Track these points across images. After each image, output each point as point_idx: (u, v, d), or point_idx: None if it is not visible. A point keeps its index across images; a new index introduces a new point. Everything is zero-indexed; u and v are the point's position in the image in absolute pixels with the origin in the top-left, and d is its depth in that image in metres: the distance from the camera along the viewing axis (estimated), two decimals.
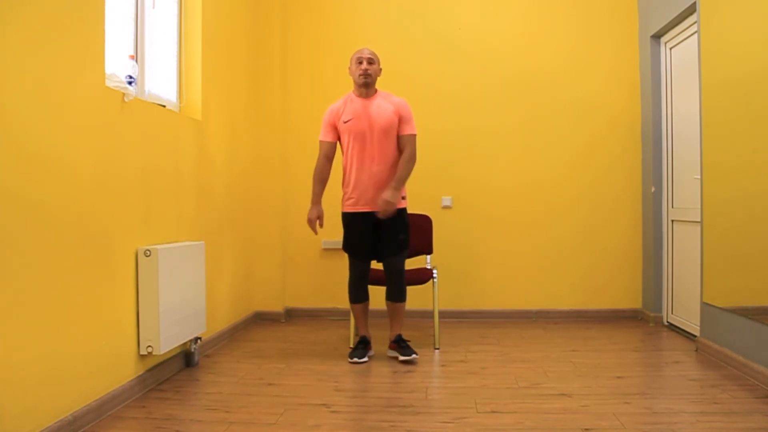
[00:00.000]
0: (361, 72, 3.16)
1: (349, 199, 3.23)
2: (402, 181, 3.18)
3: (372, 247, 3.23)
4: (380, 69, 3.27)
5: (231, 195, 3.81)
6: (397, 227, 3.21)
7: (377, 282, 3.39)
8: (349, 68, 3.25)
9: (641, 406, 2.42)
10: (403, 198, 3.24)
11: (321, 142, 3.27)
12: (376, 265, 3.37)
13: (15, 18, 1.88)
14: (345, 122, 3.18)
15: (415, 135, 3.23)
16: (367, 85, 3.19)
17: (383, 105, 3.20)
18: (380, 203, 3.11)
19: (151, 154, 2.76)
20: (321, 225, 3.26)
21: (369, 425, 2.27)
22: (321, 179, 3.27)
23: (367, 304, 3.35)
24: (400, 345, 3.22)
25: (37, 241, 1.97)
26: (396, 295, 3.28)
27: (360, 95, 3.22)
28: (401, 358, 3.17)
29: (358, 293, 3.30)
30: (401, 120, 3.20)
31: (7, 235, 1.84)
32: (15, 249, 1.87)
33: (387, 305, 3.32)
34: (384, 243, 3.21)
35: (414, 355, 3.14)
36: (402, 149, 3.22)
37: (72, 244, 2.16)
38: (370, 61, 3.18)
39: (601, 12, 4.31)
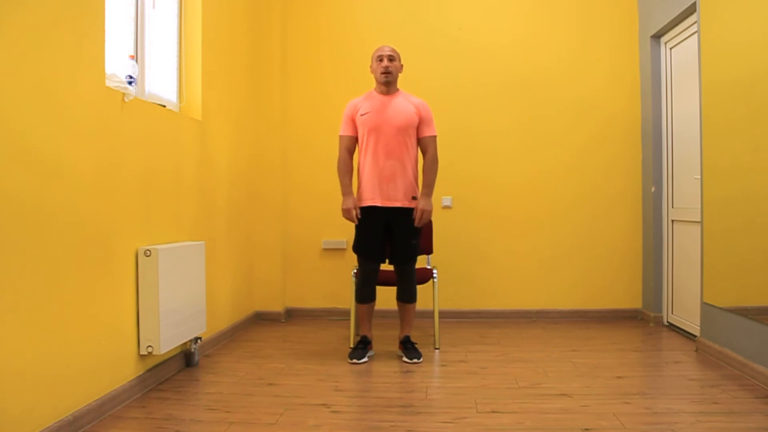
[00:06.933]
0: (382, 70, 3.18)
1: (361, 193, 3.22)
2: (431, 186, 3.22)
3: (383, 250, 3.23)
4: (401, 66, 3.28)
5: (231, 195, 3.81)
6: (410, 232, 3.21)
7: (385, 283, 3.38)
8: (371, 66, 3.26)
9: (641, 406, 2.42)
10: (414, 198, 3.22)
11: (341, 136, 3.26)
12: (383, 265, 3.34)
13: (13, 17, 1.88)
14: (362, 115, 3.19)
15: (435, 137, 3.26)
16: (388, 83, 3.20)
17: (404, 103, 3.21)
18: (417, 213, 3.15)
19: (151, 154, 2.76)
20: (358, 214, 3.19)
21: (369, 425, 2.28)
22: (346, 171, 3.24)
23: (373, 305, 3.34)
24: (406, 346, 3.23)
25: (36, 241, 1.97)
26: (407, 296, 3.29)
27: (381, 92, 3.24)
28: (404, 359, 3.18)
29: (365, 294, 3.28)
30: (422, 121, 3.22)
31: (7, 236, 1.84)
32: (15, 250, 1.87)
33: (398, 305, 3.34)
34: (396, 249, 3.22)
35: (416, 360, 3.15)
36: (423, 151, 3.26)
37: (72, 244, 2.16)
38: (391, 58, 3.20)
39: (601, 12, 4.31)
